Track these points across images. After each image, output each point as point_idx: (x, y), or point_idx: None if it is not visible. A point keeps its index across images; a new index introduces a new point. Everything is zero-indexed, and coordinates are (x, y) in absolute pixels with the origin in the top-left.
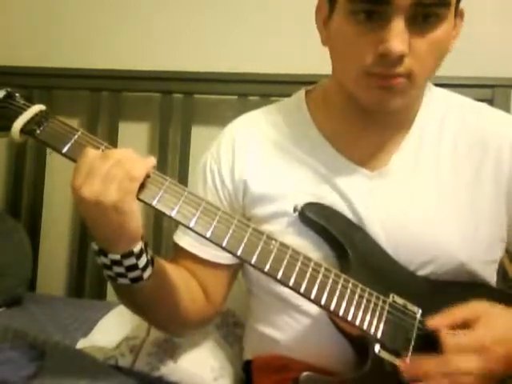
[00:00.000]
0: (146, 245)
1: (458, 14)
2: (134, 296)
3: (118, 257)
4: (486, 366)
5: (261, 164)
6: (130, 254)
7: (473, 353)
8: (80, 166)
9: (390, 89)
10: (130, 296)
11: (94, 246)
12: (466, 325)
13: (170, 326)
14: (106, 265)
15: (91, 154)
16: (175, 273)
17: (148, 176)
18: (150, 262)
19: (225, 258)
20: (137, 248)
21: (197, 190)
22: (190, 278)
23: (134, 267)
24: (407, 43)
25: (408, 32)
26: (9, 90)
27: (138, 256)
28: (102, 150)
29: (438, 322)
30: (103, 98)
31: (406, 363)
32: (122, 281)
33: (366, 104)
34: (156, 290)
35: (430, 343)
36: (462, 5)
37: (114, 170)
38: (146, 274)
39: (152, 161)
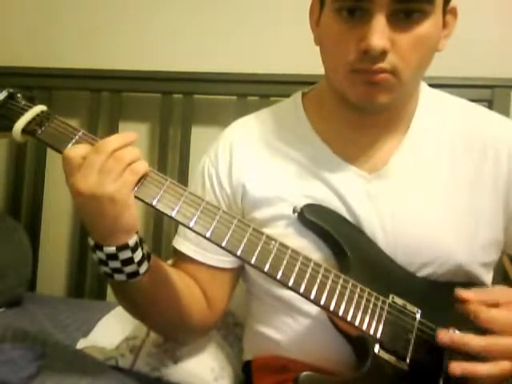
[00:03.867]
0: (141, 240)
1: (449, 12)
2: (132, 295)
3: (113, 249)
4: None
5: (259, 167)
6: (125, 246)
7: (508, 330)
8: (72, 161)
9: (376, 84)
10: (128, 296)
11: (90, 241)
12: (496, 305)
13: (170, 329)
14: (101, 260)
15: (81, 149)
16: (175, 274)
17: (147, 174)
18: (146, 258)
19: (225, 262)
20: (132, 241)
21: (195, 193)
22: (192, 282)
23: (130, 261)
24: (388, 39)
25: (390, 28)
26: (11, 90)
27: (134, 249)
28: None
29: (470, 295)
30: (103, 98)
31: (444, 332)
32: (118, 277)
33: (354, 101)
34: (154, 288)
35: (429, 344)
36: (455, 3)
37: (110, 163)
38: (143, 269)
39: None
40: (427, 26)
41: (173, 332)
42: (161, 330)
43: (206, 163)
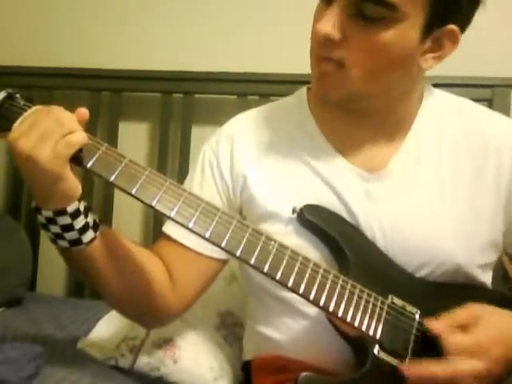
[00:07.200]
0: (87, 208)
1: (445, 34)
2: (81, 264)
3: (50, 214)
4: (487, 366)
5: (260, 162)
6: (63, 212)
7: (474, 354)
8: (26, 118)
9: (323, 75)
10: (77, 264)
11: (32, 203)
12: (465, 327)
13: (125, 304)
14: (43, 224)
15: (39, 108)
16: (136, 250)
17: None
18: (92, 227)
19: (207, 249)
20: (71, 207)
21: (192, 182)
22: (155, 259)
23: (70, 227)
24: (340, 31)
25: (346, 22)
26: (9, 91)
27: (74, 216)
28: (102, 150)
29: (439, 324)
30: (103, 97)
31: (408, 366)
32: (61, 243)
33: (315, 92)
34: (105, 259)
35: (428, 344)
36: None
37: (52, 127)
38: (86, 238)
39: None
40: (389, 36)
41: (129, 307)
42: (117, 305)
43: (206, 151)
